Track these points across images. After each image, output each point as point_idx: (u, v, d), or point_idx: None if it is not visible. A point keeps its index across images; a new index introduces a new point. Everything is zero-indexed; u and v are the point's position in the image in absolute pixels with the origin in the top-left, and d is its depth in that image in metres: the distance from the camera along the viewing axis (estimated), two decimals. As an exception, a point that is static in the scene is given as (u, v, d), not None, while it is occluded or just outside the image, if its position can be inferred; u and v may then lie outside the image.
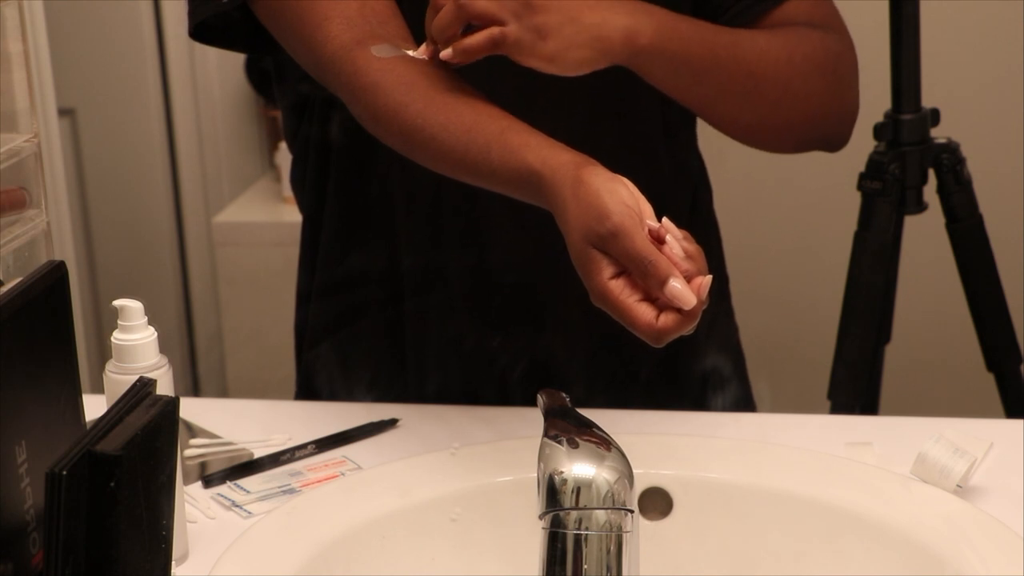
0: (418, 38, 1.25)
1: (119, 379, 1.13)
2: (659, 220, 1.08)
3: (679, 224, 1.39)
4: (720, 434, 1.30)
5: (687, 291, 1.04)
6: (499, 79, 1.24)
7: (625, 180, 1.09)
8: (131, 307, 1.13)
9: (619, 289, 1.06)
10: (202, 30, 1.36)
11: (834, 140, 1.39)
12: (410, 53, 1.23)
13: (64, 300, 0.92)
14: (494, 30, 1.18)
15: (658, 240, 1.07)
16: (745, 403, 1.50)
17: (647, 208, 1.08)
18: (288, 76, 1.42)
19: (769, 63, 1.31)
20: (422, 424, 1.36)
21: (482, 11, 1.18)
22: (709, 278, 1.06)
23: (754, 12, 1.35)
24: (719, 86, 1.29)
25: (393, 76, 1.21)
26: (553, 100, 1.28)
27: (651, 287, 1.05)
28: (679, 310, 1.05)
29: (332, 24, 1.25)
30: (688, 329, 1.06)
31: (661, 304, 1.05)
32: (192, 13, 1.35)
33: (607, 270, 1.06)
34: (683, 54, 1.25)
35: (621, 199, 1.06)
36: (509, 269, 1.39)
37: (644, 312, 1.06)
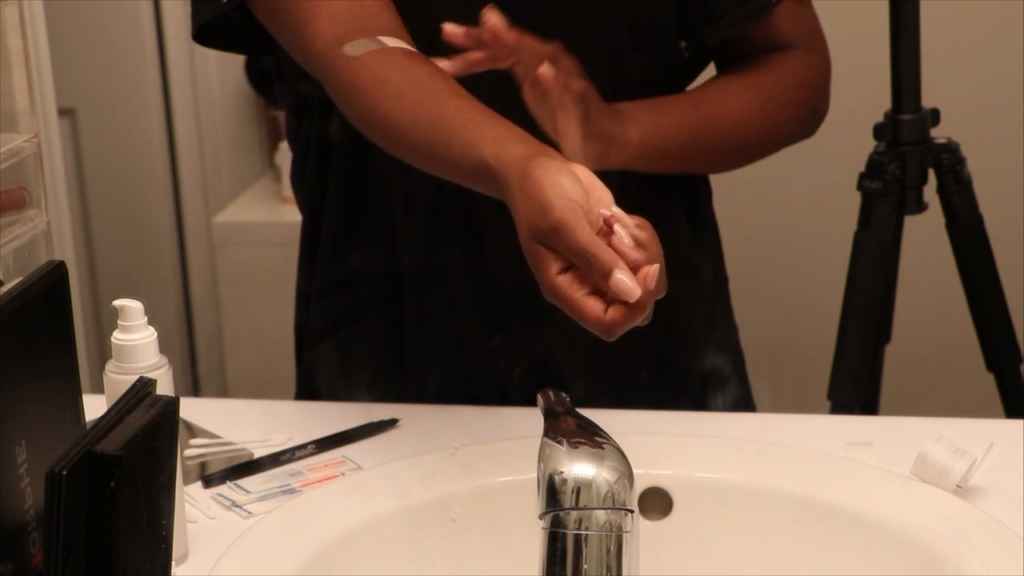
0: (413, 32, 1.25)
1: (119, 379, 1.12)
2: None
3: (678, 225, 1.40)
4: (720, 434, 1.30)
5: (631, 283, 1.01)
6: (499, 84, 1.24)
7: (576, 169, 1.06)
8: (131, 307, 1.13)
9: (567, 284, 1.04)
10: (204, 32, 1.36)
11: (803, 139, 1.48)
12: (387, 43, 1.22)
13: (64, 300, 0.92)
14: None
15: (608, 229, 1.04)
16: (745, 403, 1.51)
17: (604, 195, 1.05)
18: (288, 76, 1.42)
19: (744, 126, 1.40)
20: (422, 424, 1.36)
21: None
22: (656, 267, 1.02)
23: (745, 22, 1.39)
24: (697, 158, 1.39)
25: (366, 74, 1.21)
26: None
27: (596, 280, 1.02)
28: (627, 302, 1.02)
29: (319, 21, 1.25)
30: (640, 320, 1.03)
31: (610, 297, 1.03)
32: (194, 16, 1.35)
33: (554, 265, 1.04)
34: (665, 148, 1.34)
35: (564, 192, 1.03)
36: (509, 269, 1.38)
37: (592, 306, 1.03)
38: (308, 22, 1.25)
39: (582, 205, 1.03)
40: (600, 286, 1.02)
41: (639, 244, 1.03)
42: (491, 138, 1.12)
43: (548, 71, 1.21)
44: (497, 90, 1.22)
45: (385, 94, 1.19)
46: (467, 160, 1.13)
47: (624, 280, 1.01)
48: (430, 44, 1.25)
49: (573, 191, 1.03)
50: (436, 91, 1.19)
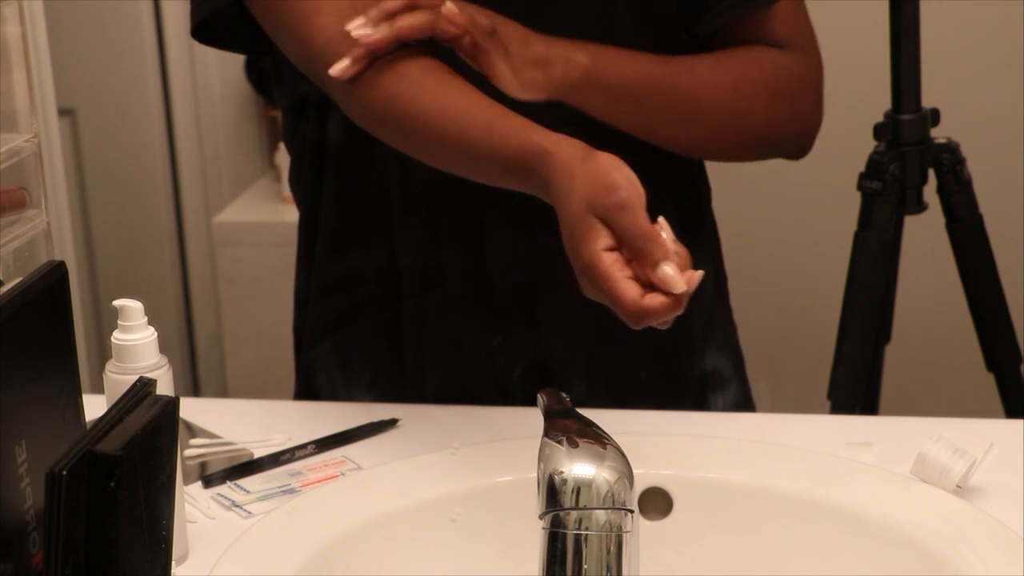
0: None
1: (119, 379, 1.12)
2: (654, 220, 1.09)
3: (676, 224, 1.40)
4: (720, 434, 1.30)
5: (678, 276, 1.05)
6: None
7: (609, 156, 1.10)
8: (131, 307, 1.13)
9: (611, 261, 1.06)
10: (202, 30, 1.36)
11: (789, 152, 1.45)
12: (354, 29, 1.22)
13: (64, 300, 0.92)
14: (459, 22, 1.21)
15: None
16: (744, 403, 1.50)
17: (640, 187, 1.09)
18: (286, 76, 1.42)
19: (709, 88, 1.36)
20: (422, 424, 1.36)
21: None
22: (701, 273, 1.06)
23: (739, 10, 1.38)
24: (659, 112, 1.34)
25: (382, 67, 1.21)
26: (551, 106, 1.28)
27: (644, 266, 1.05)
28: (667, 294, 1.05)
29: (321, 17, 1.25)
30: (667, 319, 1.06)
31: (654, 284, 1.05)
32: (193, 12, 1.35)
33: (603, 240, 1.06)
34: (620, 82, 1.30)
35: (630, 177, 1.07)
36: (508, 269, 1.39)
37: (631, 288, 1.05)
38: (308, 17, 1.25)
39: (641, 195, 1.07)
40: (643, 274, 1.05)
41: (677, 252, 1.07)
42: (538, 127, 1.14)
43: (451, 8, 1.21)
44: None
45: (405, 85, 1.20)
46: (510, 143, 1.14)
47: (672, 271, 1.04)
48: (432, 43, 1.25)
49: (635, 180, 1.07)
50: (460, 83, 1.20)
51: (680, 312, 1.06)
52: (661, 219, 1.08)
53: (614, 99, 1.31)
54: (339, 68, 1.21)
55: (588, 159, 1.09)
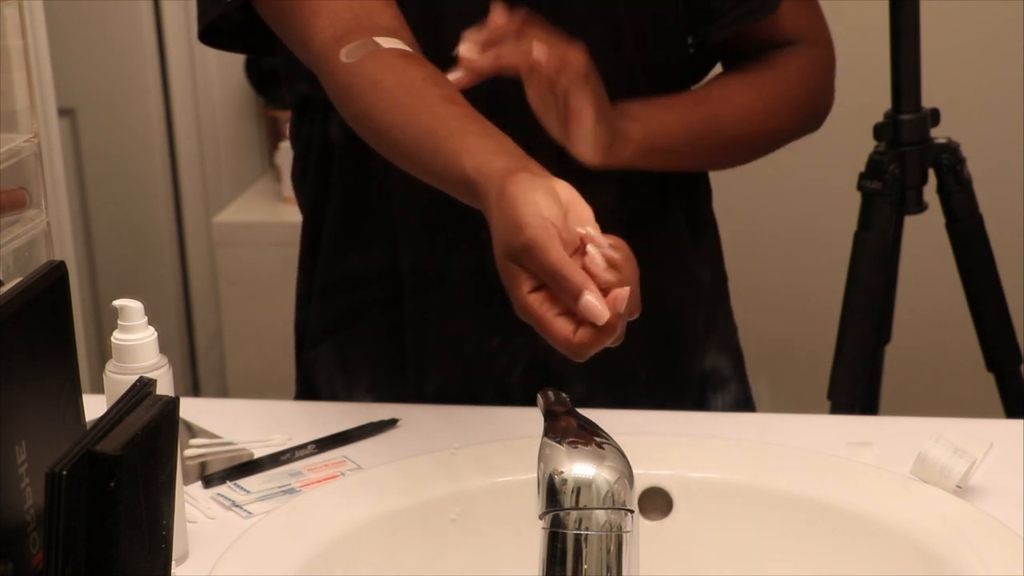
0: (418, 31, 1.25)
1: (119, 379, 1.12)
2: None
3: (677, 225, 1.39)
4: (720, 434, 1.30)
5: (600, 305, 0.99)
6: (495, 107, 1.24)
7: (556, 184, 1.05)
8: (131, 307, 1.13)
9: (538, 303, 1.02)
10: (208, 33, 1.36)
11: (809, 132, 1.47)
12: (384, 44, 1.21)
13: (64, 300, 0.92)
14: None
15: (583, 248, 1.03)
16: (744, 403, 1.50)
17: (583, 212, 1.04)
18: (291, 76, 1.42)
19: (747, 123, 1.39)
20: (422, 424, 1.36)
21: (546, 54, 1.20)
22: (626, 290, 1.01)
23: (745, 21, 1.39)
24: (705, 156, 1.39)
25: (361, 77, 1.20)
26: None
27: (567, 301, 1.01)
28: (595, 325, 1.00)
29: (319, 19, 1.24)
30: (611, 342, 1.02)
31: (580, 318, 1.01)
32: (200, 16, 1.35)
33: (526, 284, 1.03)
34: (667, 147, 1.33)
35: (537, 210, 1.02)
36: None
37: (562, 327, 1.01)
38: (308, 20, 1.25)
39: (556, 224, 1.01)
40: (569, 307, 1.01)
41: (612, 265, 1.02)
42: (474, 149, 1.10)
43: (541, 52, 1.19)
44: (496, 88, 1.22)
45: (378, 96, 1.19)
46: (450, 170, 1.11)
47: (593, 302, 0.99)
48: (436, 42, 1.25)
49: (548, 209, 1.02)
50: (427, 96, 1.17)
51: (617, 337, 1.02)
52: (589, 229, 1.03)
53: (661, 161, 1.34)
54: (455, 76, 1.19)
55: (501, 194, 1.04)
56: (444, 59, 1.22)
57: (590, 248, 1.02)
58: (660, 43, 1.37)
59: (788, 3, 1.40)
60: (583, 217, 1.03)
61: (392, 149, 1.20)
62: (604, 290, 1.00)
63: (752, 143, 1.42)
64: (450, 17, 1.29)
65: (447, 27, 1.26)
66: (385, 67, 1.20)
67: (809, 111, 1.45)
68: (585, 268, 1.01)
